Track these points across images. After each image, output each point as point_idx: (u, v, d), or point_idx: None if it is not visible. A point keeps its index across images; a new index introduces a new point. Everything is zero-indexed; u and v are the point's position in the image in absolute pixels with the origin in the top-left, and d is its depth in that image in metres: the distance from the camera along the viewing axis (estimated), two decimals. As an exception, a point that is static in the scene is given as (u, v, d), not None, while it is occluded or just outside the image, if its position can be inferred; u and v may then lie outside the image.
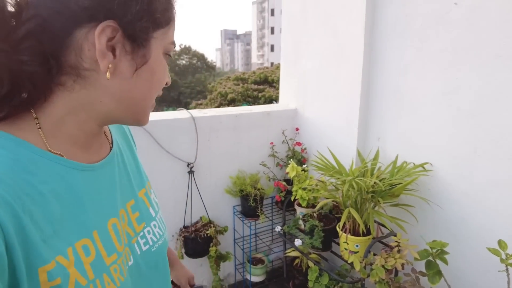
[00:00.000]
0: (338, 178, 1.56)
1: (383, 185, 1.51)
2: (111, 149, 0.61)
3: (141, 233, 0.62)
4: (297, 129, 2.27)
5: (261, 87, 14.95)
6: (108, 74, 0.47)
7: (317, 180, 1.73)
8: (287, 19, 2.31)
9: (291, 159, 2.18)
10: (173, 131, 1.88)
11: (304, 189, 1.89)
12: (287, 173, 1.95)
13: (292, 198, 1.91)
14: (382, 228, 1.64)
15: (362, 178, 1.47)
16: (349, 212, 1.52)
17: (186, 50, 37.69)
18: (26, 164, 0.44)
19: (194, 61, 37.61)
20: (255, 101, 14.87)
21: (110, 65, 0.47)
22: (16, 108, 0.46)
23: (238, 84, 15.47)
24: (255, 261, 2.22)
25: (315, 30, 2.05)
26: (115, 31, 0.46)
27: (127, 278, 0.55)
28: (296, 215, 1.90)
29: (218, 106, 15.07)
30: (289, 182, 2.13)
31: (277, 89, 14.37)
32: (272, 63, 40.93)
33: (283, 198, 2.03)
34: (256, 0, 60.95)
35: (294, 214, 2.12)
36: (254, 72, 16.24)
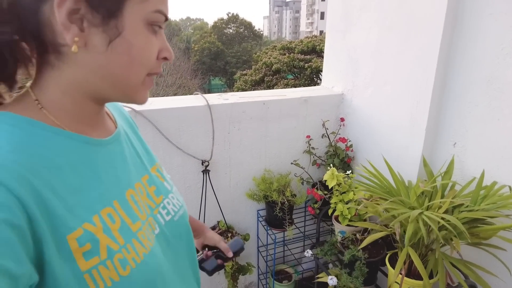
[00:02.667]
0: (395, 209, 1.10)
1: (463, 218, 1.05)
2: (116, 127, 0.62)
3: (161, 204, 0.63)
4: (342, 119, 1.79)
5: (308, 57, 14.15)
6: (74, 47, 0.45)
7: (365, 199, 1.28)
8: (337, -23, 1.77)
9: (333, 159, 1.73)
10: (184, 122, 1.51)
11: (346, 202, 1.46)
12: (325, 180, 1.52)
13: (330, 212, 1.50)
14: (452, 272, 1.18)
15: (433, 214, 1.01)
16: (408, 253, 1.08)
17: (234, 19, 36.82)
18: (40, 140, 0.46)
19: (241, 30, 36.72)
20: (301, 71, 14.14)
21: (77, 38, 0.45)
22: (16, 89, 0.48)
23: (284, 54, 14.78)
24: (281, 275, 1.87)
25: (374, -10, 1.52)
26: (78, 2, 0.43)
27: (155, 244, 0.57)
28: (334, 236, 1.48)
29: (263, 77, 14.58)
30: (328, 186, 1.70)
31: (326, 60, 13.44)
32: (321, 32, 38.93)
33: (317, 211, 1.61)
34: (308, -36, 57.35)
35: (331, 226, 1.71)
36: (301, 41, 15.36)
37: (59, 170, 0.46)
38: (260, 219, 1.77)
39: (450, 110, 1.32)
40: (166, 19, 0.52)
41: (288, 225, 1.62)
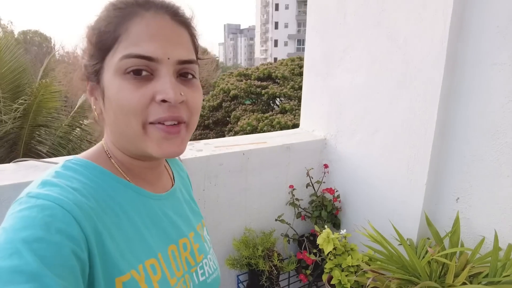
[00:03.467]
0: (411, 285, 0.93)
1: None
2: (173, 184, 0.67)
3: (200, 264, 0.64)
4: (326, 166, 1.64)
5: (264, 84, 14.36)
6: (95, 115, 0.55)
7: (366, 264, 1.10)
8: (316, 17, 1.67)
9: (319, 211, 1.56)
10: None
11: (343, 269, 1.28)
12: (316, 234, 1.34)
13: (324, 278, 1.30)
14: None
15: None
16: None
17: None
18: (107, 188, 0.52)
19: (197, 55, 36.72)
20: (258, 97, 14.25)
21: (94, 107, 0.55)
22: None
23: (241, 80, 14.88)
24: None
25: (359, 32, 1.42)
26: (90, 78, 0.54)
27: None
28: (331, 309, 1.28)
29: (221, 103, 14.47)
30: (315, 242, 1.52)
31: (281, 86, 13.72)
32: (275, 58, 40.16)
33: (310, 278, 1.41)
34: (260, -6, 59.72)
35: (322, 289, 1.51)
36: (257, 68, 15.62)
37: (117, 218, 0.51)
38: (241, 285, 1.53)
39: (452, 163, 1.21)
40: (148, 59, 0.49)
41: (276, 295, 1.39)
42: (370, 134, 1.44)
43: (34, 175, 1.04)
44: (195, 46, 0.58)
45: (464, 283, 0.96)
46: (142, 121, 0.50)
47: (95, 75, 0.52)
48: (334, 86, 1.58)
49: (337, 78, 1.56)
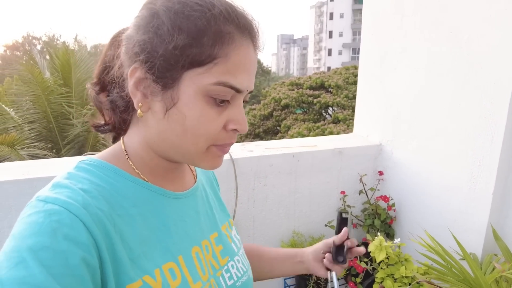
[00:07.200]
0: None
1: None
2: (195, 181, 0.63)
3: (225, 267, 0.60)
4: (380, 173, 1.58)
5: (316, 93, 14.20)
6: (139, 112, 0.49)
7: (424, 279, 1.03)
8: (371, 20, 1.63)
9: (372, 219, 1.50)
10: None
11: (396, 279, 1.22)
12: (368, 243, 1.29)
13: (375, 289, 1.24)
14: None
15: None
16: None
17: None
18: (121, 188, 0.50)
19: (250, 66, 37.48)
20: (309, 106, 14.13)
21: (140, 104, 0.48)
22: (116, 132, 0.56)
23: (293, 90, 14.87)
24: None
25: (418, 33, 1.36)
26: (146, 73, 0.47)
27: None
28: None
29: (272, 112, 14.58)
30: (366, 251, 1.46)
31: (334, 95, 13.45)
32: (329, 68, 39.67)
33: (360, 287, 1.36)
34: (314, 4, 59.67)
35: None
36: (310, 77, 15.52)
37: (131, 219, 0.48)
38: (288, 289, 1.51)
39: (524, 172, 1.10)
40: (238, 91, 0.48)
41: (323, 301, 1.36)
42: (428, 139, 1.36)
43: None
44: None
45: (538, 304, 0.86)
46: (209, 143, 0.50)
47: (167, 79, 0.47)
48: (391, 90, 1.53)
49: (394, 81, 1.50)
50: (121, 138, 0.55)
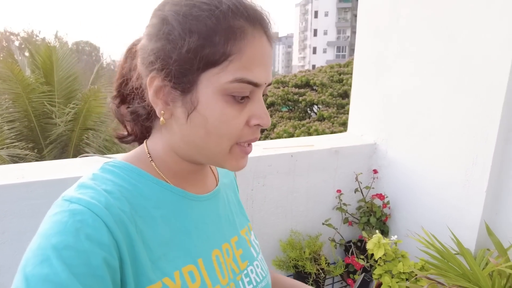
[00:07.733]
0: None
1: None
2: (217, 184, 0.63)
3: (245, 271, 0.60)
4: (375, 171, 1.61)
5: (302, 91, 14.29)
6: (162, 120, 0.49)
7: (423, 274, 1.06)
8: (367, 21, 1.65)
9: (368, 217, 1.53)
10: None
11: (393, 275, 1.24)
12: (364, 240, 1.31)
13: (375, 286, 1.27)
14: None
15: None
16: None
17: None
18: (144, 190, 0.50)
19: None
20: (295, 104, 14.21)
21: (163, 112, 0.49)
22: (138, 141, 0.58)
23: (278, 88, 14.91)
24: None
25: (414, 34, 1.39)
26: (164, 81, 0.47)
27: None
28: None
29: (257, 110, 14.54)
30: (362, 248, 1.50)
31: (319, 93, 13.55)
32: (313, 66, 39.93)
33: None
34: (299, 3, 59.90)
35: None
36: (295, 75, 15.58)
37: (153, 221, 0.49)
38: None
39: (516, 170, 1.14)
40: (256, 85, 0.48)
41: (322, 299, 1.38)
42: (423, 139, 1.39)
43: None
44: None
45: (533, 297, 0.90)
46: (232, 142, 0.50)
47: (184, 84, 0.47)
48: (386, 90, 1.55)
49: (389, 81, 1.53)
50: (145, 141, 0.56)
